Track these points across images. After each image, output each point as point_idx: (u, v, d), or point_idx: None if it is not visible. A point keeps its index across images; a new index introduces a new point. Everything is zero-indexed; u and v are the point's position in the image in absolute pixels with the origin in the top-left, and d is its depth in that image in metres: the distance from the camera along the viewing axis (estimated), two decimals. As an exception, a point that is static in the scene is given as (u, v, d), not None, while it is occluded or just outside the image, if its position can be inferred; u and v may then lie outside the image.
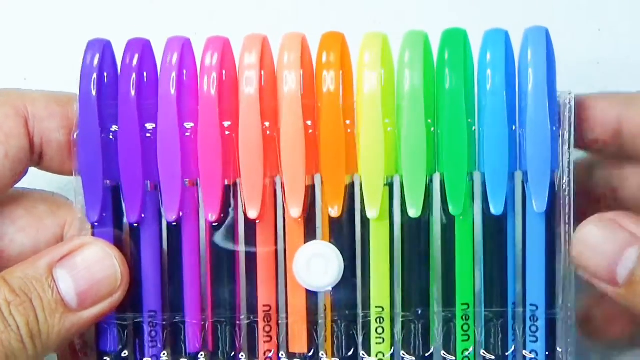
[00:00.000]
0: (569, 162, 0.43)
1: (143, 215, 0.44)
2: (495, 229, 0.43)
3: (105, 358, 0.44)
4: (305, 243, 0.44)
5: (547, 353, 0.43)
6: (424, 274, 0.43)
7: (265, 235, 0.44)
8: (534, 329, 0.43)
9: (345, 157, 0.43)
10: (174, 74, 0.42)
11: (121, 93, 0.43)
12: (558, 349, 0.43)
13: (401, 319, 0.44)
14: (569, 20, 0.52)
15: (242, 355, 0.44)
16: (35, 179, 0.45)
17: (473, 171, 0.43)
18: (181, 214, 0.44)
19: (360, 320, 0.44)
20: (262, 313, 0.44)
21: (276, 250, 0.44)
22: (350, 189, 0.43)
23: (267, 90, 0.43)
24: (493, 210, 0.42)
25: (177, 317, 0.44)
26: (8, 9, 0.53)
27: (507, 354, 0.44)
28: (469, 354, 0.44)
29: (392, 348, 0.44)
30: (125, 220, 0.44)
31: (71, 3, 0.53)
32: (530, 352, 0.43)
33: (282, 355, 0.44)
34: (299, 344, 0.44)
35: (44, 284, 0.41)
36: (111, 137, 0.43)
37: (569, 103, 0.43)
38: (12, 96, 0.44)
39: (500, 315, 0.43)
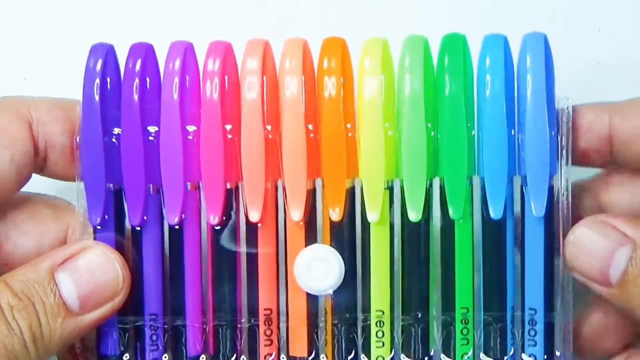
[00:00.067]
0: (567, 167, 0.43)
1: (145, 218, 0.44)
2: (494, 233, 0.43)
3: (105, 362, 0.45)
4: (306, 246, 0.44)
5: (545, 357, 0.44)
6: (423, 277, 0.44)
7: (266, 239, 0.44)
8: (532, 332, 0.43)
9: (346, 161, 0.43)
10: (176, 79, 0.43)
11: (124, 98, 0.43)
12: (556, 352, 0.44)
13: (401, 323, 0.44)
14: (569, 20, 0.52)
15: (242, 359, 0.44)
16: (36, 182, 0.46)
17: (472, 175, 0.43)
18: (183, 216, 0.44)
19: (360, 324, 0.44)
20: (263, 316, 0.44)
21: (277, 254, 0.44)
22: (351, 192, 0.44)
23: (269, 94, 0.43)
24: (492, 215, 0.43)
25: (178, 321, 0.44)
26: (8, 9, 0.53)
27: (506, 357, 0.44)
28: (468, 357, 0.44)
29: (392, 351, 0.44)
30: (127, 224, 0.44)
31: (71, 3, 0.53)
32: (529, 356, 0.44)
33: (282, 358, 0.45)
34: (300, 348, 0.44)
35: (45, 288, 0.42)
36: (114, 140, 0.43)
37: (567, 108, 0.43)
38: (15, 102, 0.45)
39: (499, 319, 0.44)
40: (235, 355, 0.44)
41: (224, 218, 0.44)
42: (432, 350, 0.44)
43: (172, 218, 0.44)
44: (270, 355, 0.44)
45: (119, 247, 0.44)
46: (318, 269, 0.43)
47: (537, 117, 0.42)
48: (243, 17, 0.53)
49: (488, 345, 0.44)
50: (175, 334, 0.45)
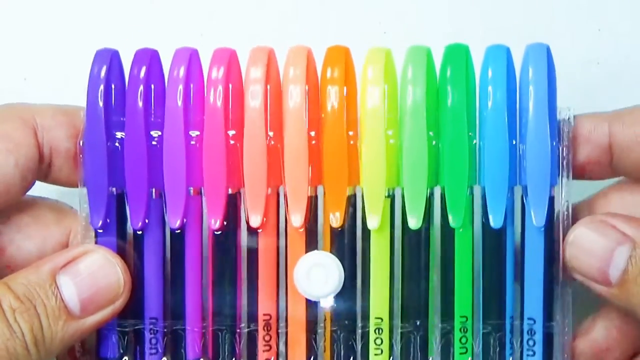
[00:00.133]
0: (568, 177, 0.43)
1: (147, 221, 0.44)
2: (495, 243, 0.43)
3: (105, 364, 0.45)
4: (306, 253, 0.44)
5: (543, 367, 0.44)
6: (423, 285, 0.44)
7: (267, 244, 0.44)
8: (531, 342, 0.43)
9: (346, 168, 0.43)
10: (180, 87, 0.43)
11: (128, 105, 0.43)
12: (555, 363, 0.44)
13: (400, 330, 0.44)
14: (569, 20, 0.52)
15: (241, 364, 0.45)
16: (37, 186, 0.46)
17: (473, 185, 0.43)
18: (184, 221, 0.44)
19: (359, 331, 0.44)
20: (262, 322, 0.44)
21: (278, 260, 0.44)
22: (352, 200, 0.44)
23: (272, 101, 0.44)
24: (492, 224, 0.43)
25: (177, 324, 0.45)
26: (8, 9, 0.53)
27: (504, 367, 0.44)
28: (466, 366, 0.44)
29: (391, 359, 0.44)
30: (128, 228, 0.44)
31: (71, 3, 0.53)
32: (527, 366, 0.44)
33: (281, 364, 0.45)
34: (298, 354, 0.44)
35: (47, 291, 0.42)
36: (117, 144, 0.44)
37: (568, 118, 0.43)
38: (19, 108, 0.45)
39: (498, 329, 0.44)
40: (234, 359, 0.45)
41: (225, 223, 0.44)
42: (431, 358, 0.44)
43: (173, 222, 0.44)
44: (269, 360, 0.45)
45: (121, 251, 0.44)
46: (317, 276, 0.44)
47: (538, 127, 0.42)
48: (243, 16, 0.53)
49: (487, 354, 0.44)
50: (175, 338, 0.45)
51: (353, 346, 0.44)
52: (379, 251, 0.44)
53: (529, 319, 0.43)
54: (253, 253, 0.44)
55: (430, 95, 0.43)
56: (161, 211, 0.44)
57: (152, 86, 0.43)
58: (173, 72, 0.43)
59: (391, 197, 0.44)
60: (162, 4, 0.53)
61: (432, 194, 0.44)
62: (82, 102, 0.44)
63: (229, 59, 0.43)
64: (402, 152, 0.43)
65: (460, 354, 0.44)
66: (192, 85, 0.44)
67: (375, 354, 0.44)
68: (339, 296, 0.44)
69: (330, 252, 0.44)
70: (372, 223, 0.43)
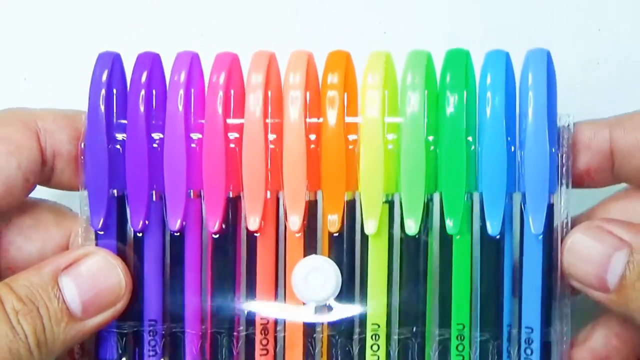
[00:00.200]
0: (567, 184, 0.43)
1: (147, 223, 0.44)
2: (493, 250, 0.43)
3: (103, 366, 0.45)
4: (304, 257, 0.44)
5: (541, 376, 0.43)
6: (420, 292, 0.44)
7: (265, 248, 0.44)
8: (528, 351, 0.43)
9: (344, 173, 0.43)
10: (181, 91, 0.43)
11: (130, 109, 0.43)
12: (553, 373, 0.44)
13: (397, 337, 0.44)
14: (569, 20, 0.52)
15: (239, 367, 0.45)
16: (37, 188, 0.46)
17: (472, 191, 0.43)
18: (184, 223, 0.44)
19: (356, 337, 0.44)
20: (260, 325, 0.44)
21: (276, 264, 0.44)
22: (351, 205, 0.44)
23: (273, 105, 0.44)
24: (489, 231, 0.42)
25: (176, 327, 0.45)
26: (8, 9, 0.53)
27: (501, 376, 0.44)
28: (463, 374, 0.44)
29: (388, 365, 0.44)
30: (128, 231, 0.45)
31: (71, 3, 0.53)
32: (524, 375, 0.44)
33: (278, 368, 0.45)
34: (295, 358, 0.44)
35: (49, 293, 0.42)
36: (118, 146, 0.44)
37: (568, 125, 0.43)
38: (21, 113, 0.45)
39: (495, 337, 0.43)
40: (231, 363, 0.45)
41: (224, 226, 0.44)
42: (428, 365, 0.44)
43: (173, 224, 0.44)
44: (266, 364, 0.45)
45: (120, 254, 0.44)
46: (315, 280, 0.44)
47: (537, 134, 0.42)
48: (243, 16, 0.53)
49: (484, 362, 0.44)
50: (174, 340, 0.45)
51: (350, 351, 0.44)
52: (376, 257, 0.44)
53: (527, 327, 0.43)
54: (252, 257, 0.44)
55: (430, 100, 0.43)
56: (161, 213, 0.44)
57: (154, 90, 0.44)
58: (174, 76, 0.43)
59: (390, 203, 0.44)
60: (162, 4, 0.53)
61: (431, 200, 0.43)
62: (82, 102, 0.44)
63: (230, 64, 0.43)
64: (400, 157, 0.43)
65: (457, 361, 0.44)
66: (192, 90, 0.44)
67: (372, 360, 0.44)
68: (336, 301, 0.44)
69: (329, 257, 0.44)
70: (369, 228, 0.43)
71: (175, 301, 0.45)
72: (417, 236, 0.43)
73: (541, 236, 0.43)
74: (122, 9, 0.53)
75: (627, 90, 0.47)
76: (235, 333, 0.45)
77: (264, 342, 0.44)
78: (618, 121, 0.44)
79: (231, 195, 0.44)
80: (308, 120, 0.43)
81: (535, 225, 0.42)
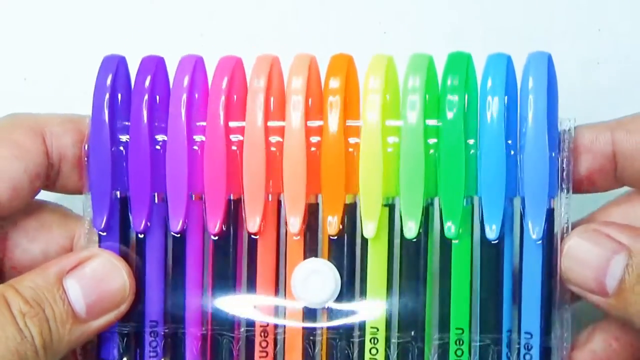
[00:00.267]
0: (568, 189, 0.43)
1: (149, 224, 0.44)
2: (492, 254, 0.43)
3: (105, 366, 0.45)
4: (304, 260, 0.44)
5: (540, 382, 0.43)
6: (420, 296, 0.43)
7: (265, 251, 0.44)
8: (528, 357, 0.43)
9: (344, 176, 0.43)
10: (184, 95, 0.43)
11: (133, 110, 0.44)
12: (553, 379, 0.43)
13: (396, 341, 0.44)
14: (569, 20, 0.51)
15: (238, 369, 0.45)
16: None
17: (473, 195, 0.43)
18: (185, 226, 0.44)
19: (355, 340, 0.44)
20: (259, 327, 0.44)
21: (277, 266, 0.45)
22: (351, 208, 0.44)
23: (275, 108, 0.44)
24: (488, 235, 0.42)
25: (177, 328, 0.45)
26: (8, 9, 0.53)
27: (500, 381, 0.44)
28: (462, 379, 0.44)
29: (386, 368, 0.44)
30: (131, 233, 0.45)
31: (71, 3, 0.53)
32: (524, 381, 0.43)
33: (277, 370, 0.45)
34: (295, 360, 0.45)
35: (54, 294, 0.42)
36: (121, 148, 0.44)
37: (569, 129, 0.43)
38: (27, 117, 0.45)
39: (495, 342, 0.43)
40: (231, 364, 0.45)
41: (225, 228, 0.44)
42: (426, 369, 0.44)
43: (175, 226, 0.44)
44: (266, 366, 0.45)
45: (123, 255, 0.44)
46: (314, 283, 0.44)
47: (537, 138, 0.41)
48: (243, 16, 0.52)
49: (483, 367, 0.44)
50: (174, 341, 0.45)
51: (349, 355, 0.44)
52: (376, 260, 0.44)
53: (526, 333, 0.43)
54: (252, 259, 0.44)
55: (431, 104, 0.42)
56: (163, 215, 0.45)
57: (157, 95, 0.44)
58: (177, 79, 0.44)
59: (390, 207, 0.43)
60: (162, 3, 0.53)
61: (431, 203, 0.43)
62: (82, 102, 0.44)
63: (233, 68, 0.44)
64: (400, 160, 0.43)
65: (456, 366, 0.44)
66: (196, 94, 0.44)
67: (371, 364, 0.44)
68: (335, 304, 0.44)
69: (329, 259, 0.44)
70: (369, 231, 0.43)
71: (176, 302, 0.45)
72: (416, 240, 0.43)
73: (541, 241, 0.42)
74: (121, 9, 0.53)
75: (627, 90, 0.47)
76: (235, 334, 0.45)
77: (264, 344, 0.45)
78: (620, 124, 0.43)
79: (232, 198, 0.44)
80: (310, 123, 0.43)
81: (534, 230, 0.42)
